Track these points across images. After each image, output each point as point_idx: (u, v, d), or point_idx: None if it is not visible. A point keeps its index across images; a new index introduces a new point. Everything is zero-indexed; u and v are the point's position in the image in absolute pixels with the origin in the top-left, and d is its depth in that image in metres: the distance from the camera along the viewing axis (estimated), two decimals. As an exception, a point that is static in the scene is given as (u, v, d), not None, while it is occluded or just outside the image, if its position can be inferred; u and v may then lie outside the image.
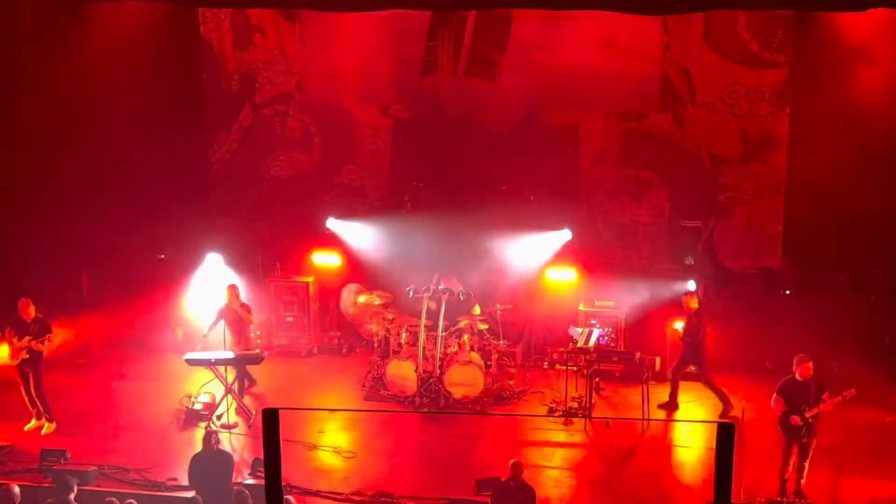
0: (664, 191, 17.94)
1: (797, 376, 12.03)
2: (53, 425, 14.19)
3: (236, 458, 12.35)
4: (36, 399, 14.16)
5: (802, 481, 12.15)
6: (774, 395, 12.20)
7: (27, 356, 13.94)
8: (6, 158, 17.04)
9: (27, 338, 13.89)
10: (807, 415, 11.89)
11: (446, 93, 18.34)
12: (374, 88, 18.66)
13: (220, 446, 12.25)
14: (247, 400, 14.93)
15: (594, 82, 17.67)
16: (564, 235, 16.91)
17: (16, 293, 14.32)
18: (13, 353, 14.01)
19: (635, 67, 17.58)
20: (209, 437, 12.03)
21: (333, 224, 17.69)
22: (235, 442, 13.93)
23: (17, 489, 10.85)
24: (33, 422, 14.21)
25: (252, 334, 15.76)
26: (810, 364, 11.98)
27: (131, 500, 10.90)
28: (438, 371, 15.13)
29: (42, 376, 14.18)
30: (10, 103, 16.99)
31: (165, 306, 17.34)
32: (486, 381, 15.12)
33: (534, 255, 16.79)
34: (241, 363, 14.84)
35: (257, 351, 15.17)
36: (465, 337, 15.45)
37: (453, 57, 18.17)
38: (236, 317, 15.09)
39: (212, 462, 11.81)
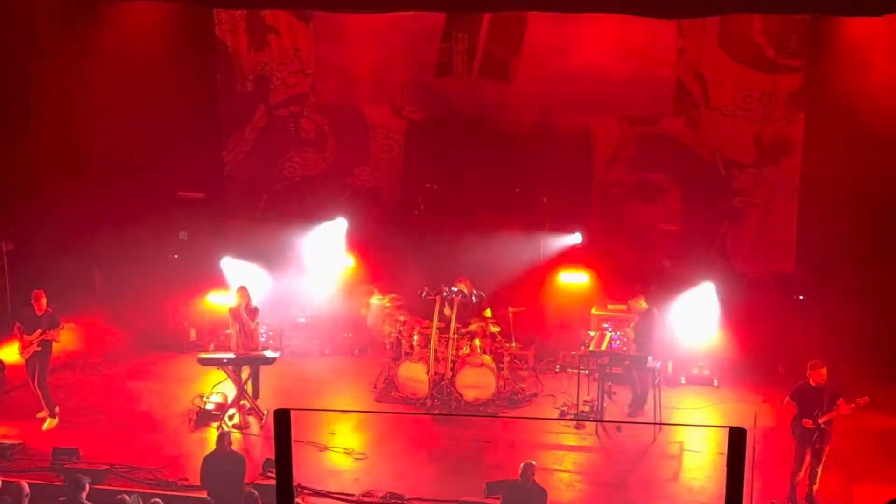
0: (677, 195, 17.89)
1: (811, 382, 12.00)
2: (56, 420, 14.26)
3: (247, 458, 12.35)
4: (38, 391, 14.22)
5: (815, 487, 12.12)
6: (787, 398, 12.20)
7: (38, 349, 14.04)
8: (21, 157, 17.13)
9: (38, 331, 14.00)
10: (820, 420, 11.86)
11: (460, 95, 18.32)
12: (387, 90, 18.66)
13: (233, 447, 12.26)
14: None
15: (608, 85, 17.62)
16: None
17: (29, 291, 14.41)
18: (24, 348, 14.10)
19: (649, 71, 17.53)
20: (223, 437, 12.05)
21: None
22: (247, 442, 13.95)
23: (26, 486, 10.90)
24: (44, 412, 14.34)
25: (262, 336, 15.75)
26: (824, 370, 11.95)
27: (157, 500, 10.94)
28: (450, 373, 15.12)
29: (47, 370, 14.29)
30: (26, 103, 17.09)
31: (178, 306, 17.40)
32: (497, 384, 15.11)
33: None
34: (253, 364, 14.86)
35: (267, 352, 15.19)
36: (477, 340, 15.44)
37: (467, 59, 18.15)
38: (243, 318, 15.08)
39: (224, 463, 11.82)
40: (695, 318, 15.92)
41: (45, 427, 14.15)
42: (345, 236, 17.87)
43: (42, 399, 14.26)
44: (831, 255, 16.53)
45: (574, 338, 16.13)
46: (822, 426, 11.90)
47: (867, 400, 11.77)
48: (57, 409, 14.33)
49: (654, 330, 14.79)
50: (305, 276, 17.50)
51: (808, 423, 11.89)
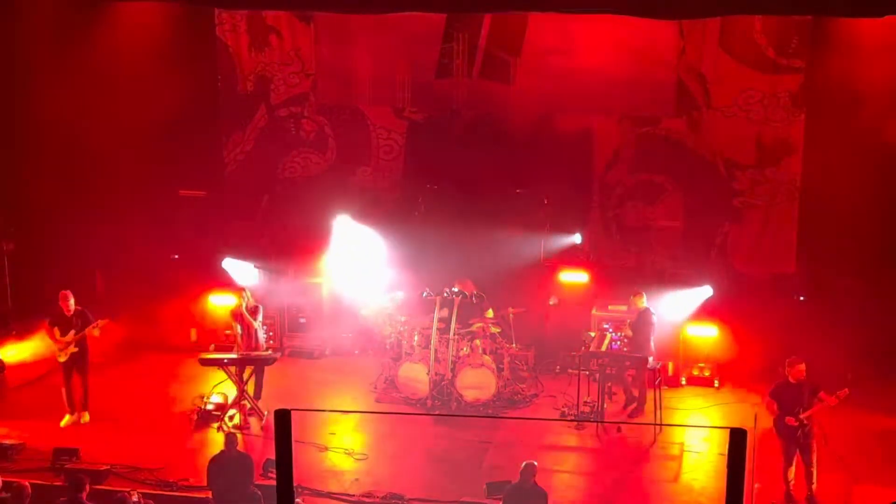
0: (678, 195, 17.88)
1: (790, 379, 12.06)
2: (87, 415, 14.46)
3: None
4: (83, 389, 14.37)
5: (813, 487, 12.13)
6: (767, 397, 12.25)
7: (76, 349, 14.09)
8: (22, 157, 17.13)
9: (72, 332, 14.05)
10: (801, 416, 11.88)
11: (461, 95, 18.33)
12: (388, 90, 18.65)
13: (241, 448, 12.24)
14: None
15: (609, 86, 17.61)
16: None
17: (33, 291, 14.42)
18: (60, 350, 14.14)
19: (650, 71, 17.52)
20: (231, 438, 12.03)
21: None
22: (248, 443, 13.94)
23: (28, 486, 10.91)
24: (67, 417, 14.38)
25: (263, 336, 15.75)
26: (802, 366, 12.04)
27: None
28: (450, 374, 15.12)
29: (88, 367, 14.45)
30: (28, 102, 17.09)
31: (179, 306, 17.39)
32: (498, 385, 15.10)
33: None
34: (255, 364, 14.86)
35: (269, 352, 15.20)
36: (478, 340, 15.44)
37: (468, 59, 18.15)
38: (246, 319, 15.09)
39: (232, 464, 11.77)
40: (692, 317, 15.94)
41: (82, 420, 14.34)
42: (358, 222, 17.76)
43: (84, 395, 14.43)
44: (832, 256, 16.53)
45: (574, 338, 16.11)
46: (805, 422, 11.92)
47: (847, 392, 11.84)
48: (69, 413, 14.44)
49: (650, 329, 14.77)
50: (307, 276, 17.51)
51: (790, 420, 11.93)
